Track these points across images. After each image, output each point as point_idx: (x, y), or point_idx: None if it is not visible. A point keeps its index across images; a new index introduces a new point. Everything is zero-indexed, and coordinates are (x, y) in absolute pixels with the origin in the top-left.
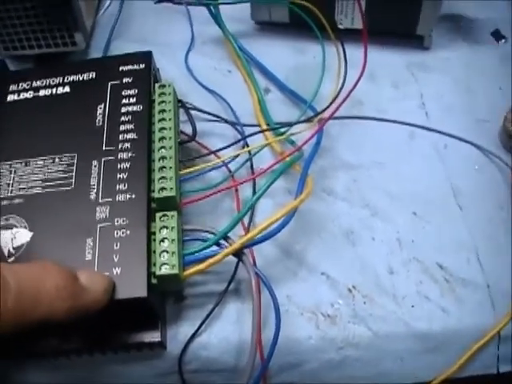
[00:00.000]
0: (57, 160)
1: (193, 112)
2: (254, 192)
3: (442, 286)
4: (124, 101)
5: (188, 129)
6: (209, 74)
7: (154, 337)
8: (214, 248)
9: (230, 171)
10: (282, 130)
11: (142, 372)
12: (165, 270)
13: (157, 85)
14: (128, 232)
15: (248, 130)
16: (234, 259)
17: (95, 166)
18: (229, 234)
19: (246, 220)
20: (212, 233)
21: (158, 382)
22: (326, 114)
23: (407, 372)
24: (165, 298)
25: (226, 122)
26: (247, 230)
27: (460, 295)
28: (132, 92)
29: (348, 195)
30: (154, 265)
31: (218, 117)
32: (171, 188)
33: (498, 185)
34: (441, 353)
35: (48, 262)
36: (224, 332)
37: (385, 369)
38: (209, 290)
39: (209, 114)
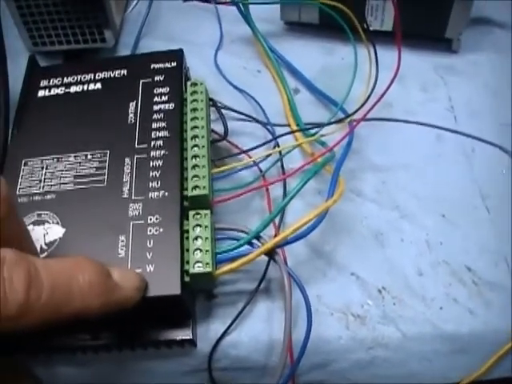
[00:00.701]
0: (89, 156)
1: (223, 111)
2: (285, 192)
3: (470, 289)
4: (156, 99)
5: (218, 127)
6: (238, 73)
7: (185, 334)
8: (247, 247)
9: (260, 171)
10: (313, 130)
11: (171, 369)
12: (198, 268)
13: (189, 83)
14: (161, 230)
15: (278, 130)
16: (263, 258)
17: (128, 164)
18: (261, 234)
19: (277, 220)
20: (244, 232)
21: (187, 379)
22: (357, 116)
23: (434, 373)
24: (195, 296)
25: (257, 121)
26: (278, 230)
27: (487, 298)
28: (164, 90)
29: (377, 197)
30: (188, 263)
31: (248, 116)
32: (204, 186)
33: None
34: (468, 355)
35: (81, 258)
36: (254, 331)
37: (412, 369)
38: (239, 288)
39: (239, 113)
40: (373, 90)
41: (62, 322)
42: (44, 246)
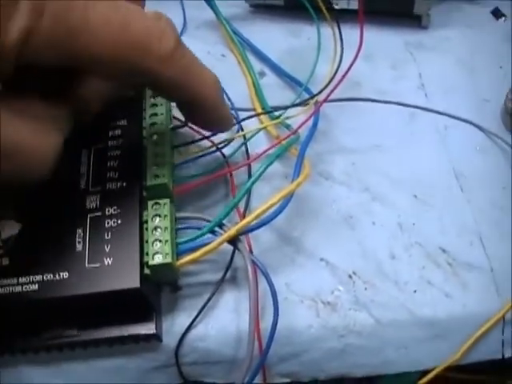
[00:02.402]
0: None
1: None
2: (250, 177)
3: (446, 271)
4: None
5: (180, 114)
6: (202, 58)
7: (148, 329)
8: (209, 236)
9: (224, 156)
10: (278, 113)
11: (139, 366)
12: (158, 260)
13: None
14: (119, 221)
15: (243, 115)
16: (230, 247)
17: (85, 155)
18: (225, 222)
19: (242, 205)
20: (207, 220)
21: (157, 375)
22: (323, 97)
23: (411, 359)
24: (160, 289)
25: None
26: (243, 217)
27: (464, 280)
28: None
29: (346, 179)
30: (147, 254)
31: None
32: (164, 175)
33: (500, 166)
34: (445, 339)
35: None
36: (221, 322)
37: (388, 357)
38: (205, 279)
39: None
40: (337, 69)
41: (182, 97)
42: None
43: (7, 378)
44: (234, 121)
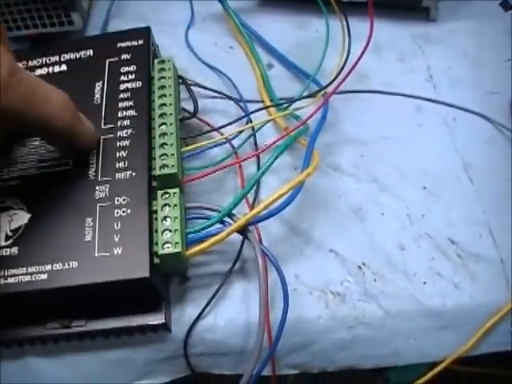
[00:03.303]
0: None
1: (194, 89)
2: (259, 168)
3: (455, 262)
4: (122, 77)
5: (190, 106)
6: (210, 50)
7: (157, 319)
8: (219, 226)
9: (233, 148)
10: (286, 105)
11: (147, 356)
12: (167, 249)
13: (156, 60)
14: (129, 211)
15: (251, 107)
16: (239, 238)
17: None
18: (234, 212)
19: (251, 197)
20: (216, 210)
21: (164, 366)
22: (331, 89)
23: (420, 351)
24: (169, 280)
25: (229, 98)
26: (252, 208)
27: (473, 271)
28: (131, 68)
29: (355, 171)
30: (157, 244)
31: (220, 93)
32: (172, 165)
33: (508, 156)
34: (454, 330)
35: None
36: (230, 313)
37: (397, 348)
38: (214, 270)
39: (211, 90)
40: (345, 61)
41: (30, 124)
42: (9, 233)
43: (15, 369)
44: (96, 137)
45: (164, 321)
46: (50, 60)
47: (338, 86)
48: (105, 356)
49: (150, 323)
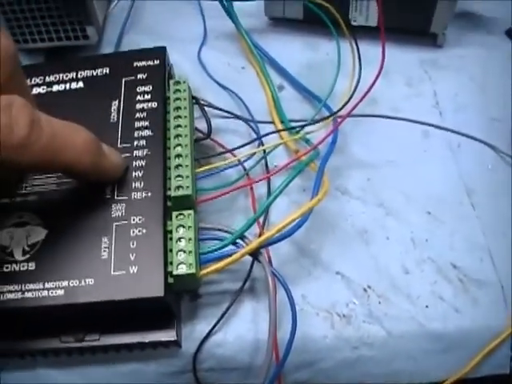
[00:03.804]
0: None
1: (207, 109)
2: (269, 190)
3: (456, 286)
4: (139, 97)
5: (201, 125)
6: (222, 69)
7: (169, 336)
8: (231, 247)
9: (244, 169)
10: (297, 128)
11: (157, 370)
12: (182, 270)
13: (171, 81)
14: (144, 230)
15: (262, 127)
16: (248, 258)
17: None
18: (245, 233)
19: (261, 218)
20: (228, 232)
21: (174, 380)
22: (341, 113)
23: (420, 372)
24: (180, 297)
25: (241, 119)
26: (262, 229)
27: (474, 295)
28: (147, 88)
29: (362, 194)
30: (171, 264)
31: (232, 114)
32: (187, 186)
33: (509, 184)
34: (454, 353)
35: (78, 124)
36: (239, 330)
37: (398, 368)
38: (224, 288)
39: (223, 111)
40: (356, 86)
41: (56, 170)
42: (26, 248)
43: (26, 379)
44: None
45: (176, 338)
46: (66, 76)
47: (349, 112)
48: (116, 368)
49: (162, 339)
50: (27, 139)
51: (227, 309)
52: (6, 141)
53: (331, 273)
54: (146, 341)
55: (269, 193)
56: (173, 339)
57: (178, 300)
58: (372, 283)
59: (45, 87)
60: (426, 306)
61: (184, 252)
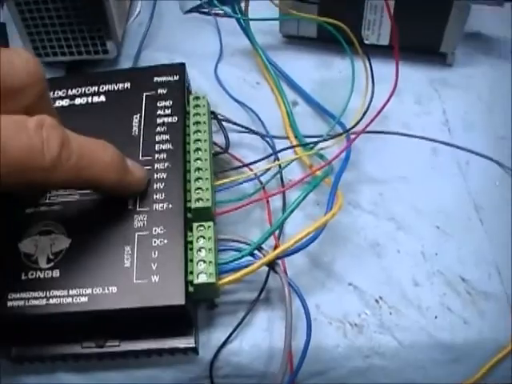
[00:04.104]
0: None
1: (224, 123)
2: (284, 203)
3: (464, 299)
4: (159, 112)
5: (218, 139)
6: (238, 85)
7: (188, 342)
8: (247, 258)
9: (261, 183)
10: (312, 145)
11: (174, 376)
12: (202, 279)
13: (191, 97)
14: (165, 241)
15: (277, 142)
16: (263, 268)
17: None
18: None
19: (276, 230)
20: (246, 243)
21: None
22: (355, 130)
23: (430, 381)
24: (197, 306)
25: (257, 134)
26: (278, 241)
27: (481, 308)
28: (167, 103)
29: (374, 208)
30: (191, 273)
31: (248, 129)
32: (207, 199)
33: None
34: (462, 363)
35: (104, 141)
36: (255, 339)
37: (408, 377)
38: (240, 298)
39: (240, 125)
40: (369, 105)
41: (82, 186)
42: (51, 256)
43: (46, 382)
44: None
45: (194, 345)
46: (88, 90)
47: (363, 129)
48: (134, 374)
49: (181, 346)
50: (58, 160)
51: (243, 318)
52: (37, 163)
53: (344, 284)
54: (166, 347)
55: (284, 206)
56: (191, 346)
57: (195, 309)
58: (383, 294)
59: (67, 100)
60: (436, 317)
61: (204, 262)
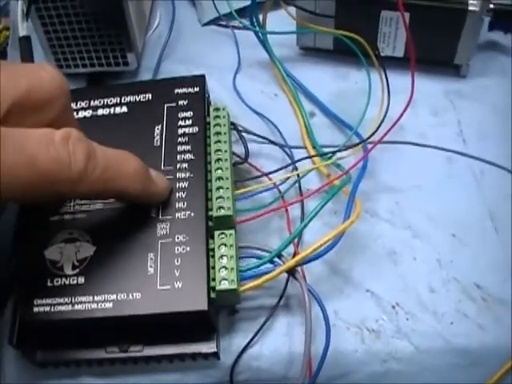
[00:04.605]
0: None
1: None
2: (303, 212)
3: (480, 305)
4: (180, 122)
5: (237, 149)
6: (256, 96)
7: (210, 347)
8: (267, 265)
9: (280, 192)
10: (330, 155)
11: (195, 380)
12: (224, 285)
13: (211, 108)
14: (188, 248)
15: (295, 152)
16: (282, 275)
17: None
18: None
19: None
20: (266, 250)
21: None
22: (372, 141)
23: None
24: (219, 311)
25: (275, 144)
26: (297, 248)
27: (496, 314)
28: (188, 114)
29: (390, 217)
30: (214, 280)
31: (267, 139)
32: (228, 207)
33: None
34: (478, 368)
35: (128, 152)
36: (275, 344)
37: (425, 382)
38: (260, 304)
39: (259, 136)
40: (385, 115)
41: (107, 196)
42: (76, 263)
43: None
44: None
45: (216, 350)
46: (111, 101)
47: (380, 140)
48: (156, 378)
49: (203, 351)
50: (84, 172)
51: (264, 323)
52: (64, 175)
53: (361, 291)
54: (188, 352)
55: (302, 215)
56: (213, 351)
57: (217, 314)
58: (400, 301)
59: (90, 111)
60: (451, 323)
61: (226, 269)
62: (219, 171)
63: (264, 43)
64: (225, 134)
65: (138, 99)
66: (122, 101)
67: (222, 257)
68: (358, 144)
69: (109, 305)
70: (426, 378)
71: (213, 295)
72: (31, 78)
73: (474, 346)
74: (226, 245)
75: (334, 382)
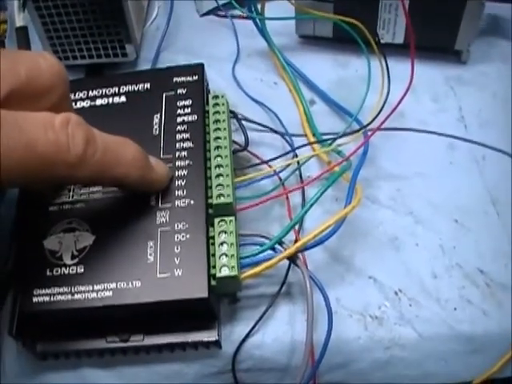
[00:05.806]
0: None
1: (243, 122)
2: (303, 199)
3: (483, 291)
4: (179, 111)
5: (237, 138)
6: (255, 85)
7: (211, 336)
8: (269, 252)
9: (280, 179)
10: (329, 141)
11: (196, 370)
12: (224, 272)
13: (210, 96)
14: (188, 236)
15: (295, 140)
16: (283, 263)
17: None
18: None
19: (296, 225)
20: (267, 238)
21: (212, 380)
22: (371, 126)
23: (450, 372)
24: (220, 300)
25: (275, 132)
26: (298, 235)
27: (500, 299)
28: (187, 103)
29: (392, 203)
30: (214, 267)
31: (267, 127)
32: (228, 195)
33: None
34: (482, 354)
35: (127, 139)
36: (277, 332)
37: (428, 369)
38: (261, 292)
39: (259, 124)
40: (385, 101)
41: (105, 183)
42: (75, 252)
43: (70, 378)
44: (169, 175)
45: (217, 338)
46: (109, 91)
47: (380, 125)
48: (157, 369)
49: (204, 340)
50: (83, 156)
51: (265, 311)
52: (63, 159)
53: (364, 277)
54: (189, 341)
55: (303, 202)
56: (214, 340)
57: (218, 303)
58: (403, 287)
59: (88, 101)
60: (455, 309)
61: (226, 256)
62: (219, 159)
63: (263, 31)
64: (224, 121)
65: (136, 88)
66: (121, 90)
67: (222, 244)
68: (358, 130)
69: (108, 293)
70: (429, 364)
71: (213, 282)
72: (30, 65)
73: (477, 332)
74: (226, 232)
75: (338, 370)
